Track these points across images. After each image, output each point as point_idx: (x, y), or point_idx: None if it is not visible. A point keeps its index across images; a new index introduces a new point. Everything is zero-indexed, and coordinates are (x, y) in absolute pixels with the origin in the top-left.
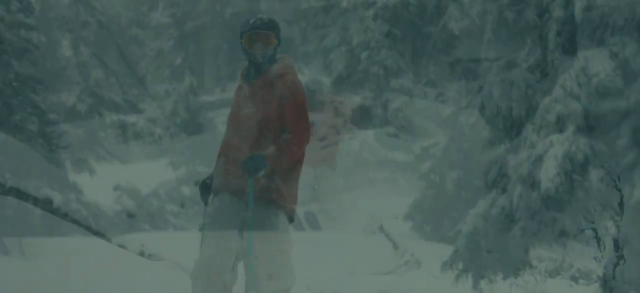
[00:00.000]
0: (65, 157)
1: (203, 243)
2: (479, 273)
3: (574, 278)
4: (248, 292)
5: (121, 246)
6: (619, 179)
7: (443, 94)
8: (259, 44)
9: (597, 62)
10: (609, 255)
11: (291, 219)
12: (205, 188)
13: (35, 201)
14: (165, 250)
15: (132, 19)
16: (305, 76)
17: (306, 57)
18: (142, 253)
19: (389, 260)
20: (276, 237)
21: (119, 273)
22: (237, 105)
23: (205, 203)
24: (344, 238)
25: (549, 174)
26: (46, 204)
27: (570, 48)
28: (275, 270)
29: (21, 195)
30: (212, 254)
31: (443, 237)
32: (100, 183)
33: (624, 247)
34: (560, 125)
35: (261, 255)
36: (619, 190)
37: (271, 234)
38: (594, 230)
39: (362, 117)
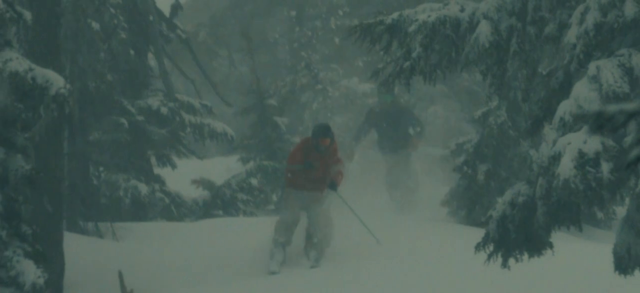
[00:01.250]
0: (151, 154)
1: (286, 209)
2: (508, 253)
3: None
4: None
5: None
6: (626, 170)
7: (475, 97)
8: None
9: (606, 71)
10: (619, 234)
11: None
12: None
13: None
14: (237, 232)
15: (208, 33)
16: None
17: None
18: None
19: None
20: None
21: (195, 251)
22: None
23: (308, 166)
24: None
25: (566, 167)
26: None
27: (584, 59)
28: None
29: None
30: (291, 214)
31: (475, 221)
32: (180, 176)
33: (630, 228)
34: (575, 125)
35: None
36: (626, 180)
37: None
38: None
39: None
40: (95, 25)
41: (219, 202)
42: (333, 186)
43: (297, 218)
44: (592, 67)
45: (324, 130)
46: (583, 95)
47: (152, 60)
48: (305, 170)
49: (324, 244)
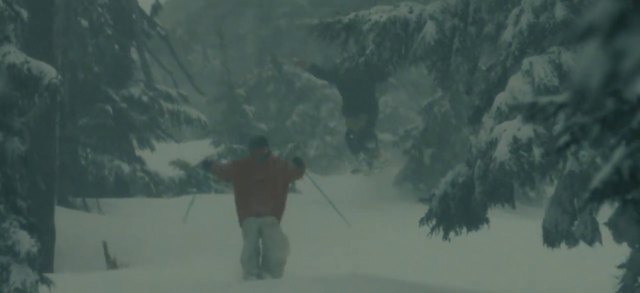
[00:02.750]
0: (133, 137)
1: (245, 239)
2: (448, 227)
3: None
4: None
5: None
6: (555, 155)
7: (421, 89)
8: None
9: (539, 66)
10: (547, 211)
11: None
12: (207, 163)
13: None
14: (209, 208)
15: (184, 30)
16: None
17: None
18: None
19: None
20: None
21: (172, 225)
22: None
23: (205, 169)
24: None
25: (502, 151)
26: None
27: (519, 56)
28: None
29: None
30: (251, 242)
31: (421, 199)
32: (159, 157)
33: (557, 206)
34: (510, 114)
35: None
36: (555, 163)
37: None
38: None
39: None
40: (84, 22)
41: (193, 180)
42: (298, 163)
43: (257, 245)
44: (525, 63)
45: (258, 141)
46: (518, 87)
47: (134, 54)
48: (253, 176)
49: (278, 269)
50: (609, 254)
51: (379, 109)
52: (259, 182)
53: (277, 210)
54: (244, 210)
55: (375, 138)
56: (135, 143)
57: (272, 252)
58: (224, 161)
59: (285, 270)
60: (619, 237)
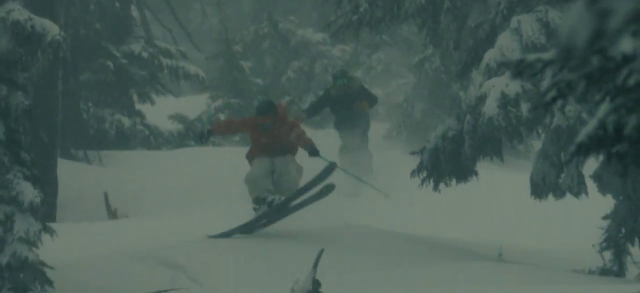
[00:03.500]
0: (133, 92)
1: (254, 166)
2: (439, 179)
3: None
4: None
5: None
6: (542, 110)
7: (413, 46)
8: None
9: (526, 24)
10: (535, 164)
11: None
12: (203, 134)
13: None
14: (207, 160)
15: None
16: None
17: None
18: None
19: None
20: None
21: (171, 176)
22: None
23: (206, 137)
24: None
25: (490, 107)
26: None
27: (507, 14)
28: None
29: None
30: (260, 167)
31: (413, 152)
32: (158, 111)
33: (544, 160)
34: (499, 71)
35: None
36: (542, 118)
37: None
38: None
39: (352, 62)
40: None
41: (191, 134)
42: (313, 152)
43: (267, 171)
44: (514, 21)
45: (262, 109)
46: (506, 45)
47: (134, 12)
48: (261, 139)
49: (293, 189)
50: (594, 206)
51: (370, 123)
52: (265, 143)
53: (288, 151)
54: (255, 153)
55: (370, 154)
56: (135, 97)
57: (286, 173)
58: (230, 124)
59: (276, 227)
60: (603, 189)
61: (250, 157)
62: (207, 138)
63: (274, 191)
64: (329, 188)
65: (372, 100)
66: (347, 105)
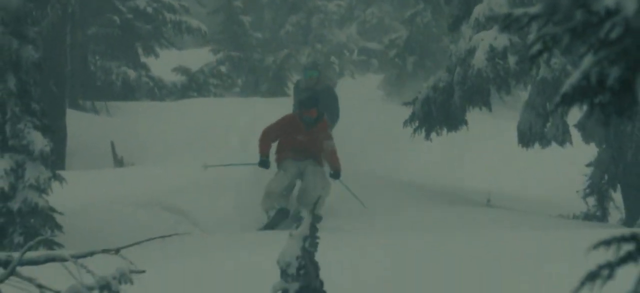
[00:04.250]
0: (138, 45)
1: (279, 172)
2: (430, 128)
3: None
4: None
5: None
6: (528, 62)
7: (405, 1)
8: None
9: None
10: (522, 114)
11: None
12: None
13: None
14: (209, 110)
15: None
16: None
17: None
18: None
19: None
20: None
21: (175, 125)
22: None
23: (264, 165)
24: None
25: (479, 59)
26: None
27: None
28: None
29: None
30: (285, 176)
31: (405, 102)
32: (162, 64)
33: (531, 110)
34: (487, 25)
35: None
36: (529, 70)
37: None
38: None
39: (347, 17)
40: None
41: (194, 85)
42: (336, 175)
43: (291, 182)
44: None
45: (310, 100)
46: (494, 0)
47: None
48: (298, 136)
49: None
50: (578, 154)
51: (338, 118)
52: (302, 142)
53: (339, 169)
54: (284, 155)
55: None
56: (140, 50)
57: (313, 188)
58: (270, 133)
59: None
60: (587, 137)
61: (278, 159)
62: (266, 162)
63: (282, 205)
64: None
65: (334, 114)
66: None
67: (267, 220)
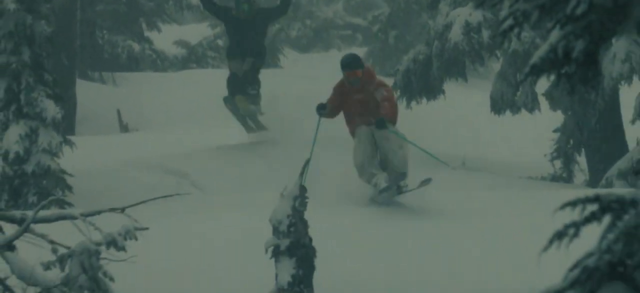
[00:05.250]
0: (142, 20)
1: (357, 143)
2: (410, 97)
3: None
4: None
5: None
6: (500, 36)
7: None
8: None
9: None
10: (494, 84)
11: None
12: (322, 106)
13: None
14: (207, 81)
15: None
16: None
17: None
18: None
19: None
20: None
21: (176, 95)
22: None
23: (320, 109)
24: None
25: (456, 33)
26: None
27: None
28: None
29: None
30: (364, 144)
31: (387, 73)
32: (164, 37)
33: (503, 80)
34: (463, 1)
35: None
36: (501, 43)
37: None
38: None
39: None
40: None
41: (193, 57)
42: (380, 124)
43: (372, 148)
44: None
45: (349, 61)
46: None
47: None
48: (353, 96)
49: (403, 167)
50: (546, 120)
51: (266, 54)
52: (357, 101)
53: (388, 116)
54: (354, 124)
55: (259, 84)
56: (144, 25)
57: (392, 152)
58: (329, 97)
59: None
60: (554, 105)
61: (350, 131)
62: (322, 107)
63: (380, 172)
64: (427, 181)
65: (284, 4)
66: (245, 32)
67: (378, 189)
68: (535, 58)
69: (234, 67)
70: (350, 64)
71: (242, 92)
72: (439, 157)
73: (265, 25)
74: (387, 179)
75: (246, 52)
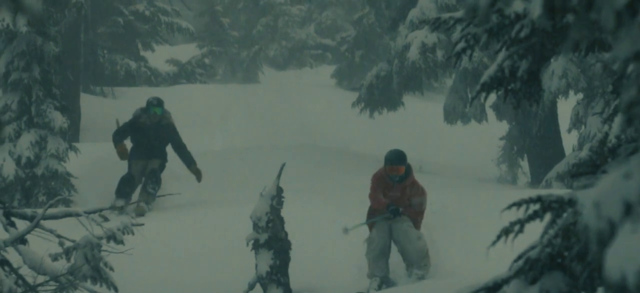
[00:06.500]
0: (138, 41)
1: (374, 232)
2: (373, 109)
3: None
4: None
5: None
6: (454, 57)
7: (353, 6)
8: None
9: None
10: (447, 97)
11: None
12: (394, 210)
13: None
14: (196, 95)
15: None
16: None
17: None
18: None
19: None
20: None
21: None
22: (384, 189)
23: (394, 213)
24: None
25: (413, 53)
26: None
27: None
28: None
29: None
30: (379, 236)
31: (354, 88)
32: (158, 57)
33: (454, 94)
34: (420, 25)
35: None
36: (455, 64)
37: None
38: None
39: (306, 18)
40: None
41: (183, 74)
42: (394, 211)
43: (386, 243)
44: None
45: (397, 157)
46: (425, 5)
47: None
48: (390, 193)
49: (423, 259)
50: (493, 129)
51: (167, 159)
52: (392, 197)
53: (412, 217)
54: (376, 215)
55: (159, 184)
56: (140, 46)
57: (409, 243)
58: (377, 190)
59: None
60: (500, 116)
61: (369, 217)
62: (395, 209)
63: (385, 271)
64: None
65: (181, 145)
66: (151, 136)
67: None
68: (485, 77)
69: (134, 167)
70: (394, 160)
71: (140, 190)
72: None
73: (169, 133)
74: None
75: (152, 154)
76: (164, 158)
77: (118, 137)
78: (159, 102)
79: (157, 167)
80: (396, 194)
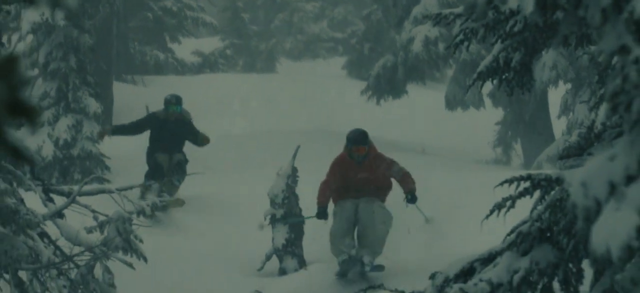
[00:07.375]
0: (166, 34)
1: (337, 214)
2: (380, 97)
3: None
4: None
5: None
6: (453, 48)
7: (363, 3)
8: (357, 154)
9: None
10: (448, 86)
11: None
12: (323, 213)
13: None
14: (219, 83)
15: None
16: None
17: None
18: None
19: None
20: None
21: (194, 92)
22: (348, 171)
23: (321, 216)
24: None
25: (417, 46)
26: None
27: None
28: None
29: None
30: (343, 217)
31: (363, 78)
32: (184, 48)
33: (455, 83)
34: (423, 21)
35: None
36: (453, 54)
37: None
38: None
39: (320, 14)
40: None
41: (207, 64)
42: (412, 199)
43: (350, 222)
44: None
45: (359, 136)
46: (429, 2)
47: None
48: (357, 175)
49: (378, 245)
50: (490, 115)
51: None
52: (361, 180)
53: (379, 196)
54: (341, 197)
55: (184, 177)
56: (167, 38)
57: (371, 227)
58: (329, 184)
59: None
60: (496, 103)
61: (335, 199)
62: (324, 213)
63: (351, 248)
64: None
65: (198, 138)
66: (172, 132)
67: (339, 259)
68: (481, 67)
69: (162, 159)
70: (356, 140)
71: (163, 179)
72: (403, 144)
73: (188, 131)
74: (353, 256)
75: (172, 150)
76: (184, 154)
77: (121, 124)
78: (177, 100)
79: (183, 159)
80: (365, 175)
